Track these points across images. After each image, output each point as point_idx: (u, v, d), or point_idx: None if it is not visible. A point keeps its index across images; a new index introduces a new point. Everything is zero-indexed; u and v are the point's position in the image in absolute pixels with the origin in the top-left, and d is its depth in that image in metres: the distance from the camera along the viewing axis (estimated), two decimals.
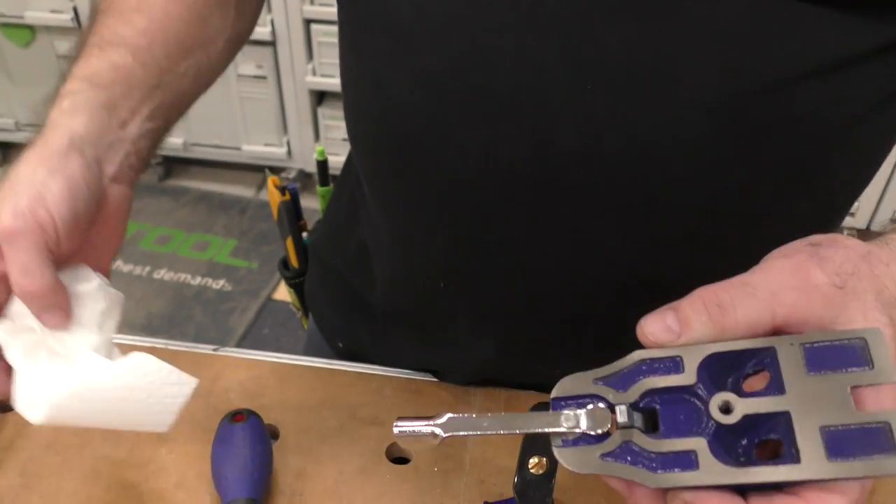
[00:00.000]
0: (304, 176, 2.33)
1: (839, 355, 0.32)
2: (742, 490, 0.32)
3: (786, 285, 0.33)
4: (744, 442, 0.33)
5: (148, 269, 2.13)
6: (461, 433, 0.37)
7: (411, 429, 0.38)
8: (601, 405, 0.35)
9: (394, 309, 0.62)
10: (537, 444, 0.46)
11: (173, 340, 0.66)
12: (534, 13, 0.43)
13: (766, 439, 0.33)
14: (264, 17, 2.06)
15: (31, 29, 2.26)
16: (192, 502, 0.53)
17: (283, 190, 0.75)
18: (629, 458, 0.33)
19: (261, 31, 2.07)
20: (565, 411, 0.35)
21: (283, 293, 2.05)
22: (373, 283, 0.62)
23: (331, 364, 0.65)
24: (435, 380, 0.63)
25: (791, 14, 0.41)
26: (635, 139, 0.44)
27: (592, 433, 0.34)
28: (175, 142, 2.37)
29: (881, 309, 0.33)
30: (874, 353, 0.31)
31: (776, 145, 0.44)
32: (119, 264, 2.13)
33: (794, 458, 0.31)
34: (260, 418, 0.55)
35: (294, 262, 0.78)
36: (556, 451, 0.35)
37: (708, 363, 0.33)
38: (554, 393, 0.36)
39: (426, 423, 0.37)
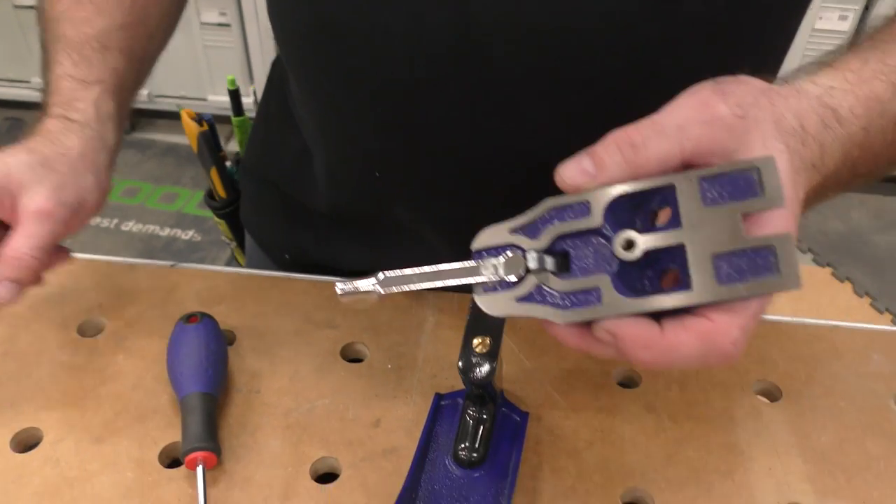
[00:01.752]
0: (222, 119, 2.31)
1: (733, 186, 0.33)
2: (657, 317, 0.34)
3: (692, 119, 0.35)
4: (649, 274, 0.35)
5: (116, 221, 2.11)
6: (395, 288, 0.39)
7: (353, 286, 0.39)
8: (516, 253, 0.37)
9: (334, 209, 0.63)
10: (480, 325, 0.47)
11: (129, 258, 0.67)
12: None
13: (668, 269, 0.35)
14: None
15: None
16: (149, 401, 0.54)
17: (199, 121, 0.74)
18: (541, 299, 0.36)
19: None
20: (484, 261, 0.37)
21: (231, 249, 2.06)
22: (313, 187, 0.63)
23: (287, 274, 0.65)
24: None
25: None
26: (555, 5, 0.44)
27: (508, 279, 0.36)
28: (139, 93, 2.34)
29: (779, 137, 0.35)
30: (765, 181, 0.33)
31: (693, 2, 0.45)
32: None
33: (688, 285, 0.33)
34: (213, 319, 0.56)
35: (221, 191, 0.77)
36: (476, 299, 0.37)
37: (615, 205, 0.35)
38: (473, 245, 0.38)
39: (366, 281, 0.39)
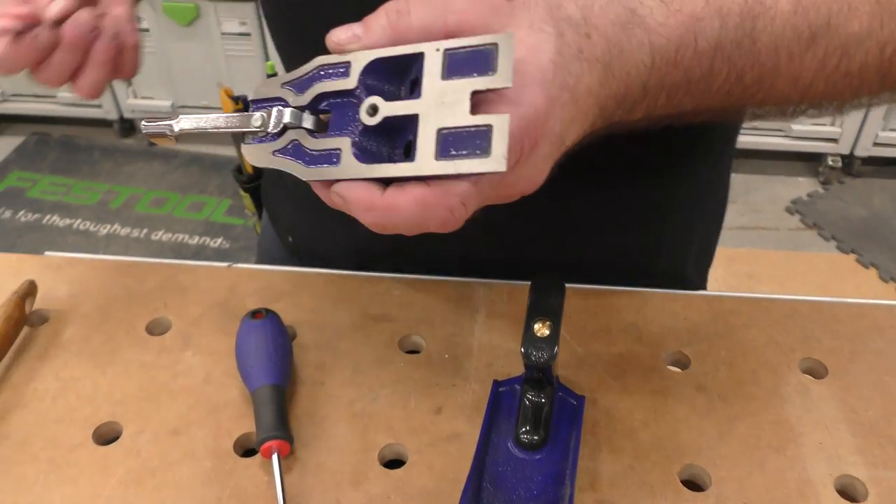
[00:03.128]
0: None
1: (473, 60, 0.34)
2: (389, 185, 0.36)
3: None
4: (391, 143, 0.37)
5: (145, 231, 2.15)
6: (189, 127, 0.42)
7: (155, 125, 0.43)
8: (281, 107, 0.39)
9: None
10: (540, 309, 0.49)
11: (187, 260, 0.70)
12: None
13: (410, 140, 0.36)
14: None
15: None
16: (221, 394, 0.57)
17: (235, 99, 0.78)
18: (293, 155, 0.38)
19: None
20: (255, 113, 0.40)
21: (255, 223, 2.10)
22: None
23: (339, 272, 0.68)
24: (440, 278, 0.67)
25: None
26: None
27: (271, 132, 0.39)
28: (163, 105, 2.38)
29: (551, 21, 0.36)
30: (499, 58, 0.33)
31: None
32: (116, 228, 2.16)
33: (413, 156, 0.35)
34: (278, 315, 0.59)
35: (248, 167, 0.81)
36: (242, 148, 0.40)
37: (372, 70, 0.37)
38: (251, 97, 0.41)
39: (166, 122, 0.43)
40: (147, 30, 2.23)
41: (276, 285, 0.66)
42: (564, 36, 0.36)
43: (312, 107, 0.39)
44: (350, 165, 0.36)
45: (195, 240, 2.11)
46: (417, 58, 0.36)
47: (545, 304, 0.50)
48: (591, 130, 0.41)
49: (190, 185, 2.32)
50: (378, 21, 0.37)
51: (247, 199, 0.84)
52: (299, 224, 0.74)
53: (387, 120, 0.36)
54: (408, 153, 0.36)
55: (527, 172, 0.37)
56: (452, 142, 0.34)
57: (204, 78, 2.29)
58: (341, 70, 0.38)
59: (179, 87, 2.34)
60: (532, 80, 0.35)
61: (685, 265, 0.73)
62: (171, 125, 0.43)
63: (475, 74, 0.34)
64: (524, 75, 0.35)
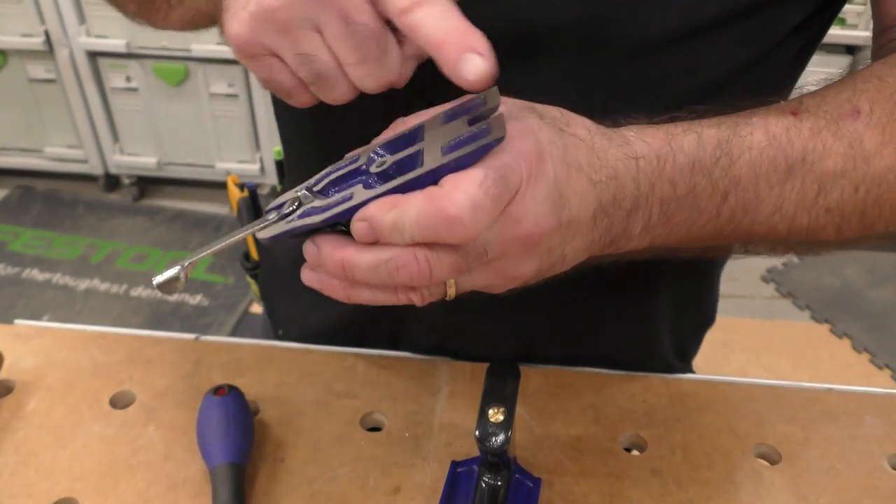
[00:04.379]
0: (276, 192, 2.36)
1: (466, 108, 0.40)
2: None
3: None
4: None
5: (125, 287, 2.15)
6: (201, 256, 0.42)
7: (163, 277, 0.42)
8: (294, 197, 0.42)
9: None
10: (495, 396, 0.50)
11: (156, 331, 0.70)
12: None
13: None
14: None
15: (3, 53, 2.28)
16: (180, 471, 0.57)
17: (241, 187, 0.80)
18: (306, 215, 0.40)
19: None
20: (269, 213, 0.42)
21: (259, 307, 2.10)
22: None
23: (305, 346, 0.69)
24: (404, 354, 0.68)
25: None
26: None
27: (283, 212, 0.41)
28: (148, 161, 2.40)
29: (528, 109, 0.41)
30: (488, 98, 0.39)
31: (641, 109, 0.47)
32: (96, 283, 2.15)
33: (421, 164, 0.38)
34: (240, 392, 0.59)
35: (254, 254, 0.83)
36: (257, 235, 0.42)
37: (379, 151, 0.42)
38: (267, 207, 0.43)
39: (172, 270, 0.42)
40: (136, 89, 2.27)
41: (242, 359, 0.67)
42: (544, 117, 0.40)
43: (324, 193, 0.42)
44: (363, 194, 0.39)
45: (174, 296, 2.11)
46: (417, 134, 0.41)
47: (501, 391, 0.51)
48: (598, 240, 0.42)
49: (172, 242, 2.33)
50: (384, 134, 0.43)
51: (254, 286, 0.86)
52: (289, 319, 0.76)
53: (395, 163, 0.40)
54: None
55: (530, 207, 0.38)
56: (456, 144, 0.38)
57: (190, 137, 2.33)
58: (350, 161, 0.42)
59: (166, 144, 2.37)
60: (518, 131, 0.38)
61: (680, 357, 0.75)
62: (178, 274, 0.42)
63: (470, 111, 0.40)
64: (511, 130, 0.38)
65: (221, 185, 2.47)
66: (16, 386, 0.64)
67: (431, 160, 0.38)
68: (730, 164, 0.43)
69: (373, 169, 0.40)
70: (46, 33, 2.19)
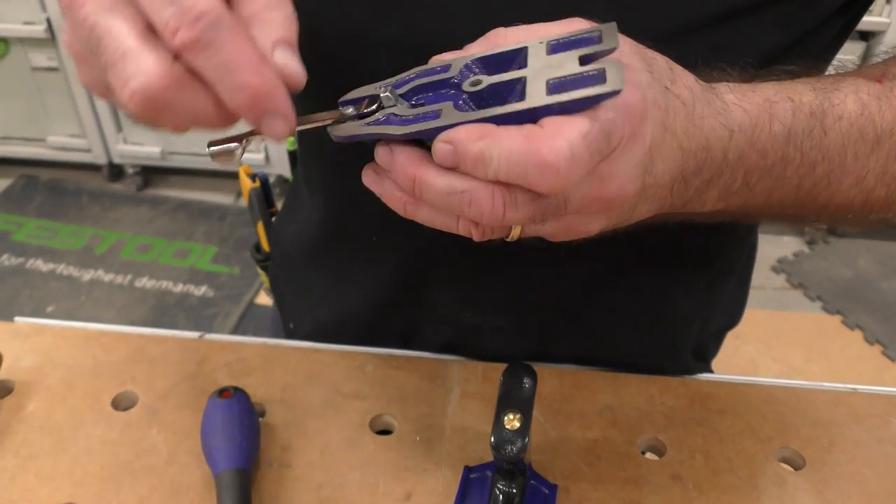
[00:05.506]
0: (282, 181, 2.35)
1: (577, 42, 0.36)
2: None
3: (555, 24, 0.37)
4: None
5: (129, 277, 2.13)
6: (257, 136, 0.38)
7: (222, 147, 0.38)
8: (375, 95, 0.39)
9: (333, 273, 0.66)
10: (511, 401, 0.48)
11: (159, 329, 0.68)
12: None
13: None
14: None
15: (4, 41, 2.26)
16: (184, 476, 0.55)
17: (253, 177, 0.78)
18: (387, 122, 0.37)
19: None
20: (345, 106, 0.39)
21: (265, 298, 2.09)
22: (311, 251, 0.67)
23: (313, 345, 0.67)
24: (415, 353, 0.66)
25: None
26: None
27: (363, 112, 0.38)
28: (152, 151, 2.38)
29: (639, 57, 0.37)
30: (605, 35, 0.36)
31: None
32: (100, 273, 2.14)
33: (522, 98, 0.35)
34: (246, 394, 0.57)
35: (265, 245, 0.81)
36: (329, 130, 0.39)
37: (473, 65, 0.38)
38: (342, 98, 0.40)
39: (233, 144, 0.38)
40: None
41: (247, 359, 0.65)
42: (653, 71, 0.37)
43: (408, 98, 0.39)
44: (453, 115, 0.36)
45: (179, 287, 2.10)
46: (517, 55, 0.37)
47: (517, 395, 0.49)
48: (670, 203, 0.40)
49: (176, 232, 2.31)
50: (478, 43, 0.38)
51: (264, 277, 0.84)
52: (300, 311, 0.73)
53: (490, 86, 0.36)
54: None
55: (621, 168, 0.36)
56: (564, 84, 0.34)
57: None
58: (441, 69, 0.38)
59: (170, 134, 2.35)
60: (629, 81, 0.35)
61: (698, 357, 0.73)
62: (237, 146, 0.38)
63: (581, 46, 0.36)
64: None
65: (226, 175, 2.45)
66: (16, 386, 0.62)
67: (534, 95, 0.34)
68: (822, 135, 0.41)
69: (465, 86, 0.37)
70: (48, 21, 2.16)
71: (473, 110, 0.37)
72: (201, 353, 0.65)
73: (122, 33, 0.32)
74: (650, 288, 0.61)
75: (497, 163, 0.33)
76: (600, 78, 0.34)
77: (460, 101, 0.37)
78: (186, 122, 0.33)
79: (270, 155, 2.32)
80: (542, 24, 0.37)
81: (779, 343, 1.97)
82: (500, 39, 0.38)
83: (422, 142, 0.37)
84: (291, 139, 0.87)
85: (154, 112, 0.32)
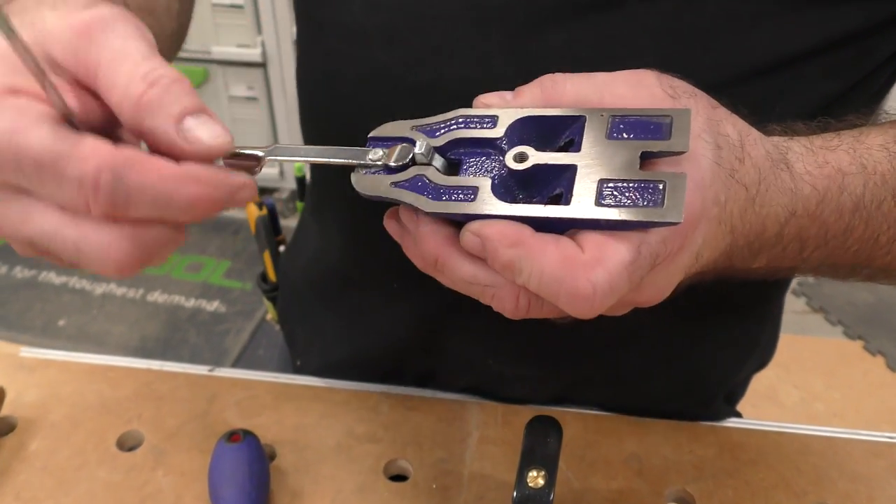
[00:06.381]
0: (295, 196, 2.33)
1: (642, 127, 0.32)
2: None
3: (620, 79, 0.33)
4: (533, 194, 0.34)
5: (141, 291, 2.12)
6: (280, 158, 0.37)
7: (244, 151, 0.36)
8: (407, 144, 0.35)
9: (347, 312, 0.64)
10: (535, 457, 0.46)
11: (168, 362, 0.66)
12: (480, 7, 0.44)
13: (553, 195, 0.33)
14: (255, 38, 2.07)
15: None
16: None
17: (260, 205, 0.76)
18: (415, 187, 0.34)
19: (252, 53, 2.08)
20: (374, 148, 0.36)
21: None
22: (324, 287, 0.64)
23: (327, 382, 0.64)
24: (432, 394, 0.63)
25: (727, 13, 0.42)
26: None
27: (391, 164, 0.35)
28: None
29: (710, 133, 0.33)
30: (675, 128, 0.32)
31: None
32: (112, 287, 2.13)
33: (567, 202, 0.31)
34: (256, 438, 0.55)
35: (272, 276, 0.79)
36: (352, 177, 0.36)
37: (522, 126, 0.34)
38: (371, 133, 0.37)
39: (253, 149, 0.37)
40: None
41: (258, 396, 0.62)
42: (721, 151, 0.34)
43: (443, 151, 0.36)
44: (489, 203, 0.32)
45: (191, 302, 2.08)
46: (572, 123, 0.34)
47: (541, 451, 0.46)
48: (712, 274, 0.38)
49: (189, 246, 2.29)
50: (531, 88, 0.35)
51: (270, 308, 0.82)
52: (310, 348, 0.71)
53: (537, 167, 0.33)
54: (541, 201, 0.33)
55: (661, 280, 0.33)
56: (615, 192, 0.31)
57: None
58: (486, 122, 0.35)
59: None
60: (690, 179, 0.32)
61: (727, 401, 0.70)
62: (260, 155, 0.36)
63: (645, 138, 0.32)
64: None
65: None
66: (18, 423, 0.60)
67: (581, 198, 0.31)
68: (893, 206, 0.39)
69: (508, 161, 0.33)
70: None
71: (512, 191, 0.34)
72: (211, 390, 0.63)
73: (59, 229, 0.29)
74: (688, 337, 0.58)
75: (527, 277, 0.31)
76: (658, 198, 0.30)
77: (500, 178, 0.34)
78: (172, 250, 0.31)
79: (285, 169, 2.30)
80: (605, 76, 0.34)
81: (799, 368, 1.92)
82: (558, 90, 0.34)
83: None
84: (299, 165, 0.85)
85: (141, 268, 0.31)
